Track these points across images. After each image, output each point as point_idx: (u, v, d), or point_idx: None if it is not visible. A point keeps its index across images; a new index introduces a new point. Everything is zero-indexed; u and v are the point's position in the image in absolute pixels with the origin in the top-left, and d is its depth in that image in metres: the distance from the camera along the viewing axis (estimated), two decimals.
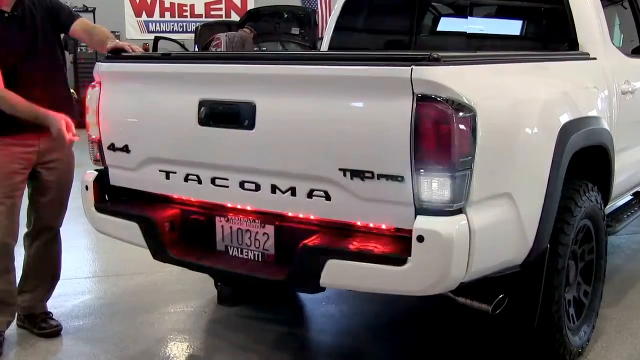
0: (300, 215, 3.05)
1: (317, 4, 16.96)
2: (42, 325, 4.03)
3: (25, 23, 3.77)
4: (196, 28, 14.51)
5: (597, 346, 3.85)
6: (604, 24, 4.14)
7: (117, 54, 3.69)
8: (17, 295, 3.95)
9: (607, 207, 3.90)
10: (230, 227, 3.25)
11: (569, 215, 3.31)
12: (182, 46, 13.72)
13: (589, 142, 3.47)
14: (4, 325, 3.87)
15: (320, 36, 13.02)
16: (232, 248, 3.27)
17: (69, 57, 15.64)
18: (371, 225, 2.89)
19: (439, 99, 2.60)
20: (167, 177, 3.36)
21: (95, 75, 3.56)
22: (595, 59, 3.97)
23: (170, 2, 17.72)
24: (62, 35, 4.03)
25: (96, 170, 3.65)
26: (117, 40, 3.88)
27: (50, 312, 4.14)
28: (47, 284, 4.12)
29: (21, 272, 4.08)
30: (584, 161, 3.45)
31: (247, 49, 12.06)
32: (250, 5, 17.19)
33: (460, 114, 2.61)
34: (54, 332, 4.02)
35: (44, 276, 4.09)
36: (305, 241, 2.91)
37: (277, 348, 3.97)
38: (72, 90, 13.53)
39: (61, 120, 3.62)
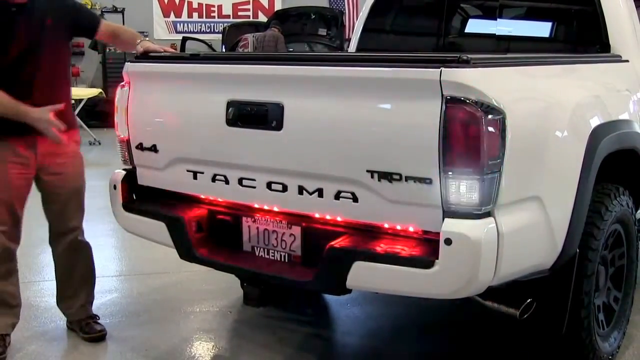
0: (327, 217, 3.05)
1: (344, 5, 16.93)
2: (86, 330, 3.98)
3: (33, 20, 3.58)
4: (224, 29, 14.59)
5: (627, 353, 3.79)
6: (637, 26, 4.07)
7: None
8: (19, 297, 3.86)
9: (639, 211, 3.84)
10: (257, 228, 3.26)
11: (599, 220, 3.26)
12: (210, 47, 13.78)
13: (620, 145, 3.42)
14: (8, 327, 3.80)
15: (347, 37, 13.01)
16: (258, 249, 3.27)
17: (97, 57, 15.85)
18: (398, 227, 2.87)
19: (468, 101, 2.58)
20: (195, 177, 3.38)
21: (124, 75, 3.59)
22: (627, 61, 3.92)
23: (198, 3, 17.82)
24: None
25: (124, 169, 3.67)
26: (146, 41, 3.87)
27: (96, 316, 4.09)
28: (85, 289, 4.04)
29: (55, 280, 4.06)
30: (615, 165, 3.40)
31: (280, 49, 12.05)
32: (278, 6, 17.24)
33: (490, 116, 2.59)
34: (97, 337, 3.96)
35: (80, 280, 4.01)
36: (332, 243, 2.90)
37: (302, 349, 3.97)
38: (101, 91, 13.57)
39: (45, 112, 3.52)
